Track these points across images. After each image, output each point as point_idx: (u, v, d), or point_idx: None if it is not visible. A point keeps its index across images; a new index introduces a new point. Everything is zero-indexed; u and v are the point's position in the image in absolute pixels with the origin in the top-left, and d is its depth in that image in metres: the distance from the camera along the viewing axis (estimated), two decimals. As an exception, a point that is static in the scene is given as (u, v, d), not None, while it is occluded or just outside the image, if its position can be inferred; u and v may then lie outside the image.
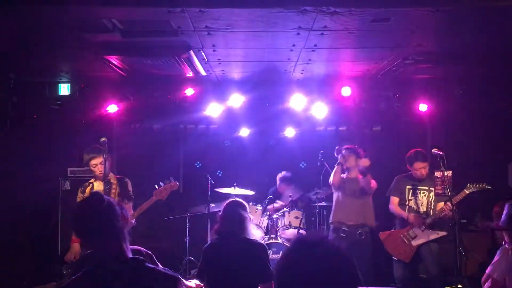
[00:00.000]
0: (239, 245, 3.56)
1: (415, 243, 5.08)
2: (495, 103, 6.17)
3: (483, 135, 6.85)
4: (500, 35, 4.57)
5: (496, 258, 3.55)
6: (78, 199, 4.97)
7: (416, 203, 5.22)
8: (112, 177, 4.94)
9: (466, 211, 6.62)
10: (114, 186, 4.88)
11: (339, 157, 5.62)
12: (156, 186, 4.59)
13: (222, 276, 3.45)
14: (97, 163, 4.83)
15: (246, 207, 3.77)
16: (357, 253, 5.16)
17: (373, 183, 5.61)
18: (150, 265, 1.99)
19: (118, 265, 1.96)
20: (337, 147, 5.80)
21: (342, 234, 5.50)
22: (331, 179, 5.68)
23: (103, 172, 4.79)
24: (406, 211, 5.25)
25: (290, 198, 6.50)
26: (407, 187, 5.31)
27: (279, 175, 7.16)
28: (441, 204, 5.12)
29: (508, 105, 6.09)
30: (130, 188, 5.02)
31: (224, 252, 3.54)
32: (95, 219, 2.06)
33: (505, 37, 4.63)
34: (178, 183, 4.70)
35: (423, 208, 5.23)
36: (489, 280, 3.52)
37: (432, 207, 5.22)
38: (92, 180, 5.08)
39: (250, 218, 3.80)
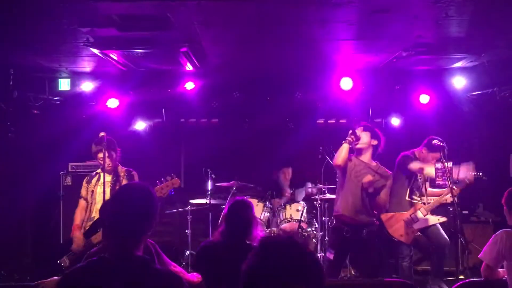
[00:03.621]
0: (242, 250, 3.35)
1: (416, 226, 5.20)
2: (497, 91, 6.14)
3: (484, 125, 6.83)
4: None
5: (488, 243, 3.52)
6: (82, 189, 4.90)
7: (417, 186, 5.35)
8: (120, 169, 4.92)
9: (468, 202, 6.62)
10: (121, 179, 4.85)
11: (349, 134, 4.55)
12: (158, 183, 4.55)
13: (221, 280, 3.31)
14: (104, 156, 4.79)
15: (252, 208, 3.51)
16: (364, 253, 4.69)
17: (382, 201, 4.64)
18: (155, 267, 1.93)
19: (122, 261, 1.91)
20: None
21: (345, 234, 4.61)
22: (334, 160, 4.62)
23: (110, 164, 4.76)
24: (408, 192, 5.34)
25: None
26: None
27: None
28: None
29: (509, 95, 6.06)
30: (136, 180, 4.92)
31: (225, 256, 3.34)
32: (131, 207, 1.97)
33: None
34: (179, 180, 4.54)
35: (421, 192, 5.36)
36: (483, 266, 3.51)
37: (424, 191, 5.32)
38: (99, 171, 4.95)
39: (257, 220, 3.54)
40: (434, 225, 5.28)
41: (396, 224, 5.29)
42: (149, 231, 2.01)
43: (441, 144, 4.98)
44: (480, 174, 5.07)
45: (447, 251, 5.27)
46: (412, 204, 5.34)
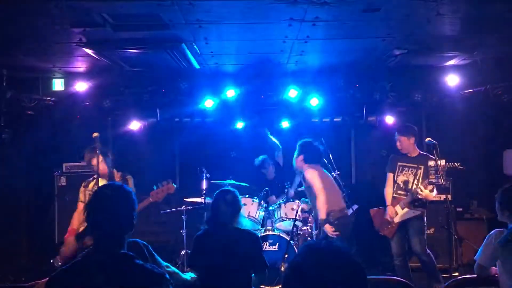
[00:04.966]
0: (230, 235, 3.44)
1: (396, 220, 5.37)
2: (490, 89, 6.17)
3: (478, 122, 6.86)
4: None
5: (482, 244, 3.56)
6: (80, 194, 4.94)
7: (402, 181, 5.46)
8: (116, 174, 4.97)
9: (462, 199, 6.65)
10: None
11: None
12: (154, 187, 4.60)
13: (212, 267, 3.38)
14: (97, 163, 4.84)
15: (237, 196, 3.65)
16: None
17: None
18: (139, 262, 1.98)
19: (106, 258, 1.96)
20: None
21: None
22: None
23: (105, 169, 4.81)
24: (395, 187, 5.49)
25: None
26: (398, 163, 5.51)
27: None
28: (430, 187, 5.24)
29: (502, 92, 6.08)
30: (131, 184, 4.98)
31: (214, 242, 3.44)
32: (113, 203, 2.07)
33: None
34: (175, 185, 4.66)
35: (408, 186, 5.43)
36: (476, 265, 3.56)
37: (415, 184, 5.34)
38: (96, 176, 4.97)
39: (241, 208, 3.71)
40: (413, 225, 5.31)
41: (381, 219, 5.51)
42: (129, 229, 2.08)
43: (433, 142, 5.06)
44: (457, 164, 5.16)
45: (424, 258, 5.33)
46: (397, 200, 5.44)
